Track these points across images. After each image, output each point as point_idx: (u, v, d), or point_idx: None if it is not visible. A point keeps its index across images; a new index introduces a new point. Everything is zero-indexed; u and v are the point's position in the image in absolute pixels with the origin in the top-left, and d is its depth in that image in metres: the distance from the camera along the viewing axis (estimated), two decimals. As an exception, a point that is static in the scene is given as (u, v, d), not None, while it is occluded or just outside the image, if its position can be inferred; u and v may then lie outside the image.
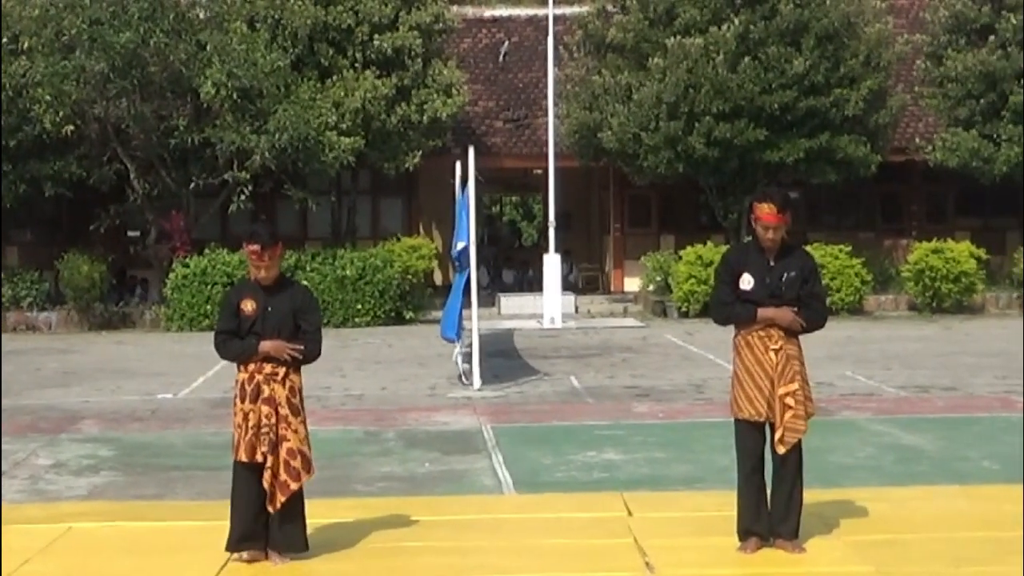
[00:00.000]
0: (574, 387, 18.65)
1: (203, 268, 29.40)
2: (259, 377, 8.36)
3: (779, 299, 8.47)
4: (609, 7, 32.73)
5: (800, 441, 8.55)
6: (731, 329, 8.74)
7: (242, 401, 8.38)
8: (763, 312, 8.45)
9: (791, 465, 8.55)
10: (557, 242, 30.74)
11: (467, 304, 18.59)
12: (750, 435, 8.60)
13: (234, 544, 8.47)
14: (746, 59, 29.92)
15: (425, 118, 31.00)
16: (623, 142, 30.71)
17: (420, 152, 31.51)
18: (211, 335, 8.67)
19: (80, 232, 32.35)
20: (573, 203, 37.34)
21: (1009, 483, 10.77)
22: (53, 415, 16.37)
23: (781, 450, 8.50)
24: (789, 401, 8.47)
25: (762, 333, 8.53)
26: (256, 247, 8.35)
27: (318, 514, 9.48)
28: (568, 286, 34.07)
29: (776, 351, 8.50)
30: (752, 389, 8.55)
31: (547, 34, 31.83)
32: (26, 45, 28.85)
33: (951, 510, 9.95)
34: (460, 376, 18.82)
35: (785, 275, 8.50)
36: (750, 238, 8.77)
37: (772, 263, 8.52)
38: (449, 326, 19.10)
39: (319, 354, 8.57)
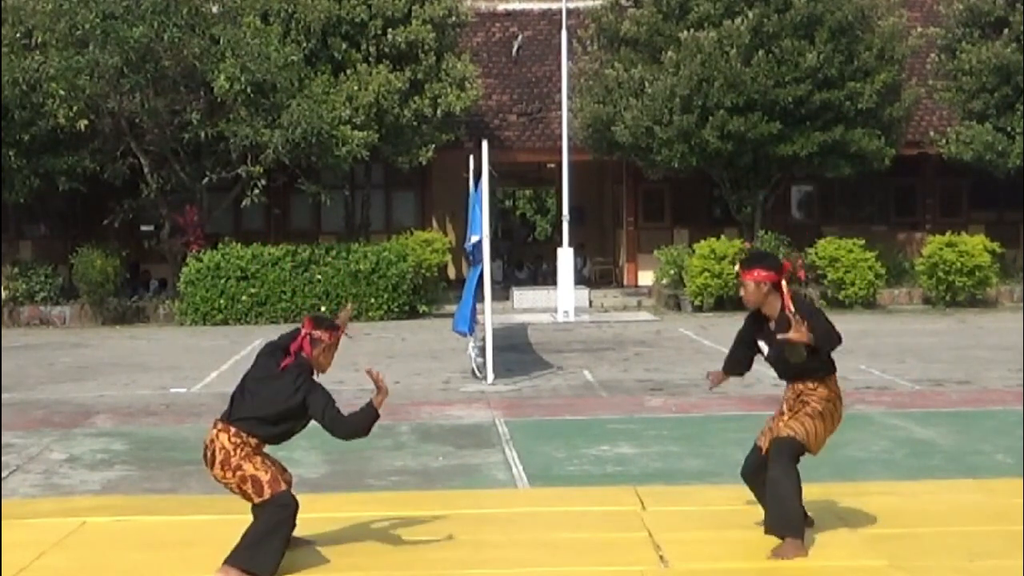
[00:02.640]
0: (588, 381, 18.66)
1: (216, 262, 29.46)
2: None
3: (785, 364, 8.47)
4: (623, 1, 32.71)
5: (790, 448, 8.42)
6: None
7: (256, 454, 8.30)
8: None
9: (773, 468, 8.41)
10: (571, 236, 30.76)
11: (480, 298, 18.60)
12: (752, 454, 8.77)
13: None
14: (760, 52, 29.88)
15: (439, 112, 31.03)
16: (636, 136, 30.69)
17: (433, 146, 31.56)
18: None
19: (94, 226, 32.45)
20: (587, 197, 37.34)
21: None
22: (67, 409, 16.42)
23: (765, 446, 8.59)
24: (780, 425, 8.54)
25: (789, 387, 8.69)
26: (340, 334, 8.41)
27: (331, 508, 9.50)
28: (582, 280, 34.06)
29: (794, 398, 8.59)
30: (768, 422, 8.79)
31: (561, 28, 31.84)
32: (40, 40, 28.96)
33: (965, 504, 9.93)
34: (474, 370, 18.82)
35: (782, 337, 8.38)
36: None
37: (773, 327, 8.44)
38: (461, 320, 19.11)
39: None
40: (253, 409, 8.18)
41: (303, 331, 8.33)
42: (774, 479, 8.37)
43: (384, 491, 10.95)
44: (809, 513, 8.68)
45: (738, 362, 8.92)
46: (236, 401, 8.29)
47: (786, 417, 8.53)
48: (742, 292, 8.59)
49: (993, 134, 31.50)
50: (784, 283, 8.49)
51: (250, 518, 8.25)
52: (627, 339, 24.74)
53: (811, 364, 8.42)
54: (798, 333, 8.17)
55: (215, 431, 8.20)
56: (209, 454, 8.18)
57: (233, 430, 8.15)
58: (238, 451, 8.12)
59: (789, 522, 8.35)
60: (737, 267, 8.67)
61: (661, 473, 11.65)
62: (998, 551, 8.45)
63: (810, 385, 8.52)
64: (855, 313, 30.02)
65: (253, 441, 8.18)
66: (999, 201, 35.60)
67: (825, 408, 8.50)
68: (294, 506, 8.16)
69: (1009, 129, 31.57)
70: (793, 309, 8.35)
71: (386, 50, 30.85)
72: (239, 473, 8.10)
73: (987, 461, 12.05)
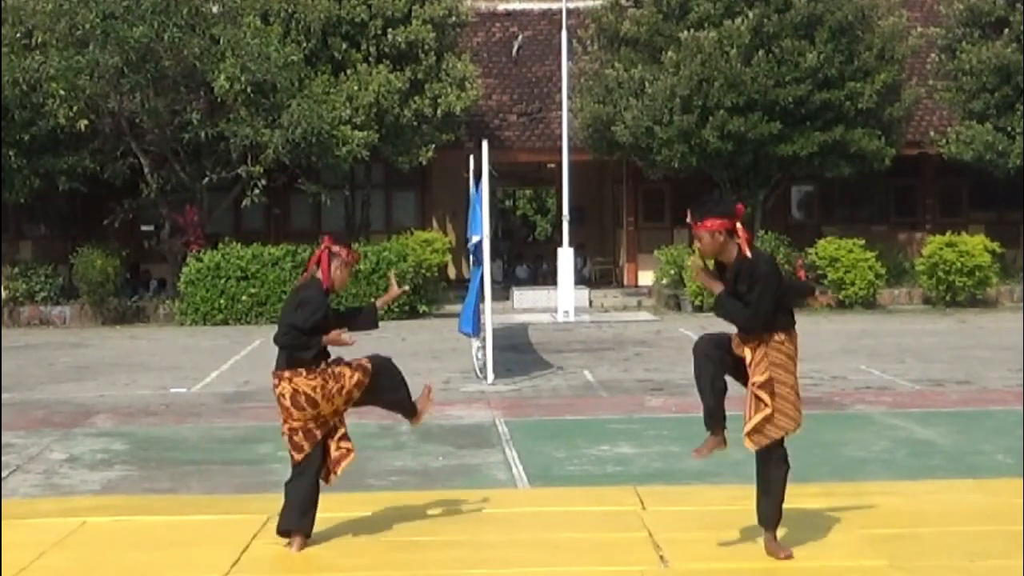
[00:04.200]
0: (588, 381, 18.65)
1: (216, 262, 29.43)
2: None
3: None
4: (623, 1, 32.71)
5: (775, 447, 8.33)
6: None
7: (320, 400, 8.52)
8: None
9: (770, 464, 8.34)
10: (571, 236, 30.73)
11: (481, 298, 18.59)
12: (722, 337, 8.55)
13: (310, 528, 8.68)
14: (760, 52, 29.88)
15: (439, 112, 31.03)
16: (637, 136, 30.68)
17: (434, 146, 31.56)
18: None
19: (94, 226, 32.45)
20: (587, 197, 37.34)
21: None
22: (67, 409, 16.40)
23: (748, 445, 8.32)
24: (761, 394, 8.27)
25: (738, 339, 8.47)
26: (358, 257, 8.90)
27: (332, 508, 9.48)
28: (582, 280, 34.06)
29: (752, 349, 8.36)
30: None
31: (561, 28, 31.83)
32: (40, 39, 28.95)
33: (965, 504, 9.93)
34: (476, 370, 18.81)
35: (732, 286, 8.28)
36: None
37: (730, 276, 8.31)
38: (465, 321, 19.11)
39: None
40: (277, 338, 8.50)
41: (322, 246, 8.56)
42: (770, 479, 8.33)
43: (384, 491, 10.94)
44: (808, 513, 8.66)
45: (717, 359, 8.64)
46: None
47: (762, 384, 8.27)
48: (697, 244, 8.34)
49: (993, 134, 31.49)
50: (740, 227, 8.22)
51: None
52: (627, 339, 24.73)
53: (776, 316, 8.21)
54: (698, 276, 8.35)
55: (277, 382, 8.49)
56: (289, 402, 8.47)
57: (287, 374, 8.47)
58: (319, 386, 8.46)
59: (777, 520, 8.39)
60: (688, 218, 8.29)
61: (661, 473, 11.64)
62: (998, 551, 8.44)
63: (777, 338, 8.29)
64: (855, 313, 30.03)
65: (302, 370, 8.44)
66: (999, 201, 35.58)
67: (787, 358, 8.30)
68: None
69: (1009, 129, 31.56)
70: (750, 256, 8.14)
71: (386, 50, 30.85)
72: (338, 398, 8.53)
73: (987, 461, 12.04)
